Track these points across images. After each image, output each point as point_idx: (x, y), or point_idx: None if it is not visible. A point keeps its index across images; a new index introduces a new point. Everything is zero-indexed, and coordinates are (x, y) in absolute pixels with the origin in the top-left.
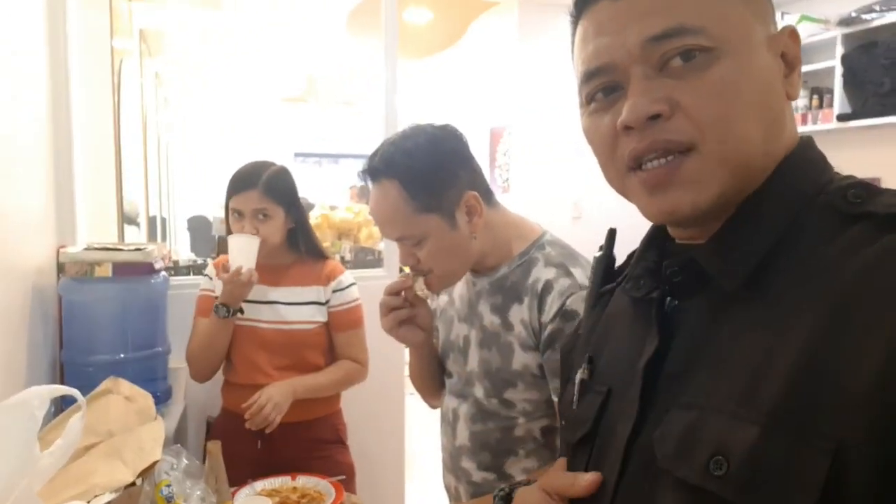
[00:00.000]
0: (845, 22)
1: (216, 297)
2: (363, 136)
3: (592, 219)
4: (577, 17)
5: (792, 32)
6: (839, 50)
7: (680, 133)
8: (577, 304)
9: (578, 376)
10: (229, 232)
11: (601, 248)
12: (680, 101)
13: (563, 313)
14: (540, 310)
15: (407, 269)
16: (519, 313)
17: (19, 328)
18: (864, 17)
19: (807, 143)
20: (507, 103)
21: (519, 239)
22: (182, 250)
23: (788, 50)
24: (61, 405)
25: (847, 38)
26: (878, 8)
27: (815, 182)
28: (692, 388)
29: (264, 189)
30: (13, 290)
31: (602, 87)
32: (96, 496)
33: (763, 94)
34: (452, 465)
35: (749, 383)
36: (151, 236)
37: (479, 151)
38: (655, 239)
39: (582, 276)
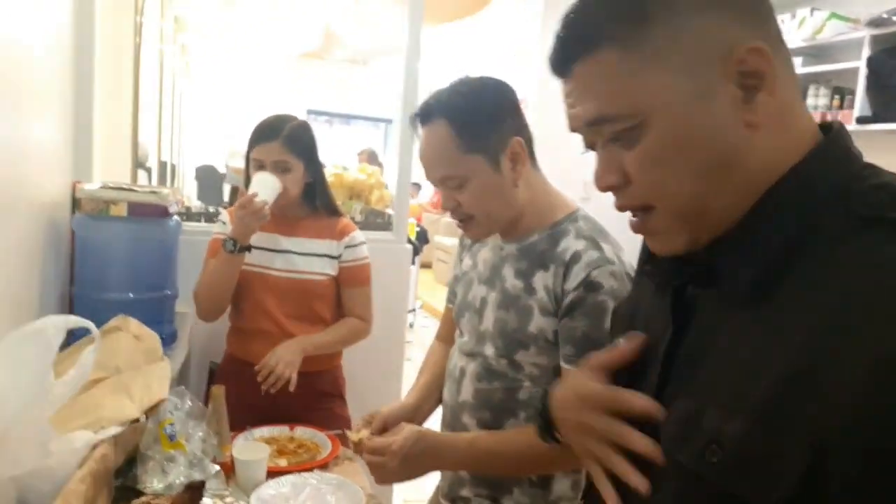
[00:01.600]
0: (875, 23)
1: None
2: (376, 97)
3: (601, 201)
4: None
5: (751, 49)
6: (865, 51)
7: (634, 199)
8: (603, 276)
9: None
10: (248, 183)
11: None
12: (628, 171)
13: (587, 283)
14: (565, 277)
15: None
16: (543, 279)
17: (32, 261)
18: (895, 18)
19: (830, 141)
20: (526, 75)
21: (554, 209)
22: (191, 198)
23: (751, 66)
24: (70, 338)
25: (875, 40)
26: None
27: (840, 177)
28: (698, 378)
29: (285, 141)
30: (28, 223)
31: (586, 145)
32: (103, 427)
33: (701, 148)
34: (452, 420)
35: (744, 380)
36: (161, 182)
37: None
38: None
39: (611, 252)
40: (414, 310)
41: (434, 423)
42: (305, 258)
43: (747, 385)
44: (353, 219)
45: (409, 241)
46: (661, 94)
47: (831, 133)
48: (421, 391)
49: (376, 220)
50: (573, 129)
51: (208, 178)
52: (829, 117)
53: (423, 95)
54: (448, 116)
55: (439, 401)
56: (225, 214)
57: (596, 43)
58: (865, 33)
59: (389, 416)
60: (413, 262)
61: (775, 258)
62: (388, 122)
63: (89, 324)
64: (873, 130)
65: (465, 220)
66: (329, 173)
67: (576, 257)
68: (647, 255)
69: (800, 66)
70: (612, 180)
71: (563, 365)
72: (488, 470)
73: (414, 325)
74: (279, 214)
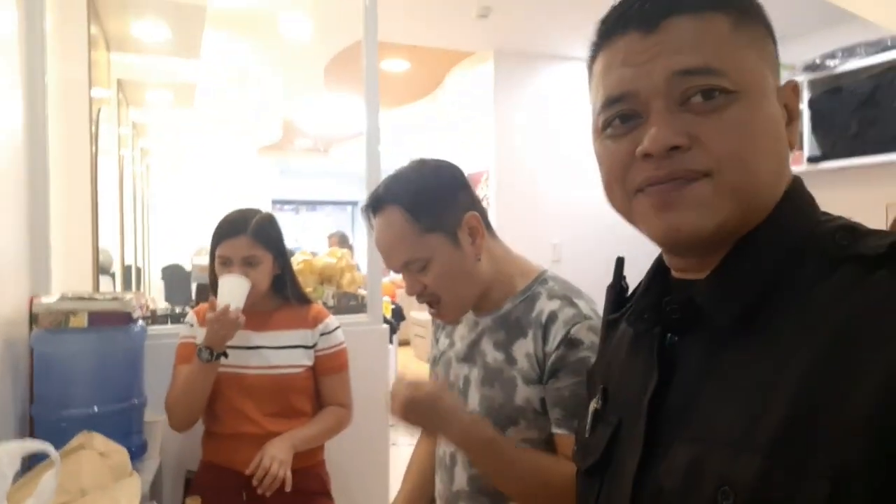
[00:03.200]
0: (811, 68)
1: (197, 345)
2: (340, 181)
3: (572, 261)
4: (599, 46)
5: (794, 87)
6: (806, 95)
7: (697, 164)
8: (582, 332)
9: (592, 406)
10: (213, 280)
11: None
12: (699, 136)
13: (568, 341)
14: (545, 340)
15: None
16: (523, 347)
17: None
18: (828, 62)
19: (799, 184)
20: (484, 148)
21: (521, 275)
22: (157, 300)
23: (790, 102)
24: (30, 461)
25: (813, 84)
26: (840, 55)
27: (808, 222)
28: (695, 422)
29: (253, 235)
30: None
31: (620, 114)
32: None
33: (772, 137)
34: None
35: (748, 418)
36: (126, 286)
37: None
38: (658, 274)
39: (586, 307)
40: None
41: None
42: (280, 352)
43: (752, 421)
44: (325, 304)
45: (386, 320)
46: (757, 74)
47: (795, 180)
48: (404, 502)
49: (349, 303)
50: (627, 91)
51: (175, 278)
52: None
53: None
54: (400, 202)
55: (431, 502)
56: (192, 316)
57: (713, 7)
58: (803, 78)
59: None
60: (391, 341)
61: (761, 291)
62: (354, 203)
63: (47, 446)
64: (824, 169)
65: (434, 303)
66: (298, 260)
67: (552, 317)
68: (616, 306)
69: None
70: (679, 140)
71: (555, 430)
72: (489, 464)
73: None
74: (249, 311)
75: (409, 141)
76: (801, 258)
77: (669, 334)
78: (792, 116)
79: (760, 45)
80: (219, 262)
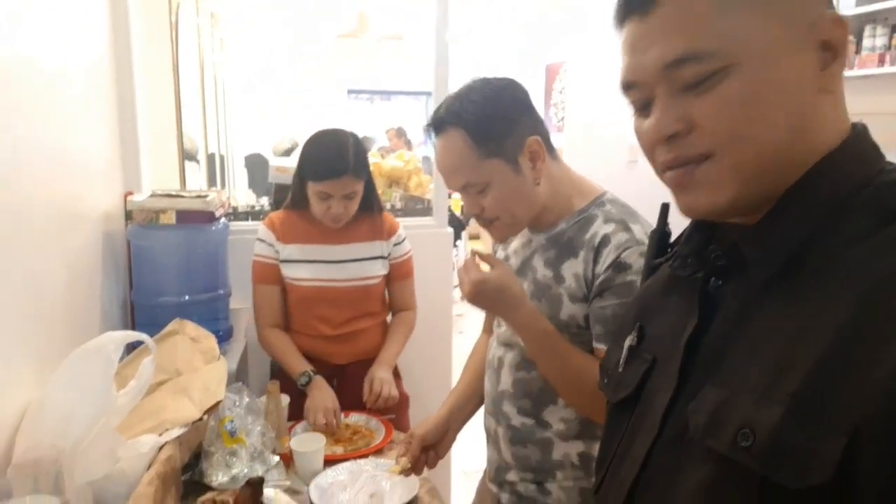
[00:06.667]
0: None
1: (272, 264)
2: (414, 71)
3: (647, 164)
4: (618, 29)
5: (835, 19)
6: None
7: (696, 147)
8: (633, 257)
9: (627, 342)
10: (299, 198)
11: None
12: (695, 119)
13: (617, 264)
14: (595, 262)
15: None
16: (572, 267)
17: (93, 271)
18: None
19: (858, 135)
20: (565, 37)
21: (579, 196)
22: (240, 188)
23: (832, 37)
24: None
25: None
26: None
27: (862, 175)
28: (725, 368)
29: (353, 173)
30: (86, 237)
31: (635, 102)
32: (167, 430)
33: (781, 102)
34: (494, 409)
35: (776, 369)
36: (210, 173)
37: (534, 88)
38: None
39: (640, 232)
40: None
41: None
42: (361, 264)
43: (780, 374)
44: (392, 206)
45: (454, 217)
46: (754, 38)
47: (858, 126)
48: (458, 397)
49: (416, 206)
50: (632, 81)
51: (257, 167)
52: (887, 58)
53: (455, 67)
54: (462, 125)
55: (481, 401)
56: (267, 232)
57: None
58: None
59: (426, 435)
60: (458, 237)
61: (804, 246)
62: (428, 94)
63: (145, 337)
64: None
65: (490, 223)
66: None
67: (605, 240)
68: (659, 251)
69: (853, 7)
70: (677, 127)
71: (595, 345)
72: (541, 355)
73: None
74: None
75: (485, 28)
76: (847, 212)
77: (713, 279)
78: (835, 53)
79: None
80: (317, 197)
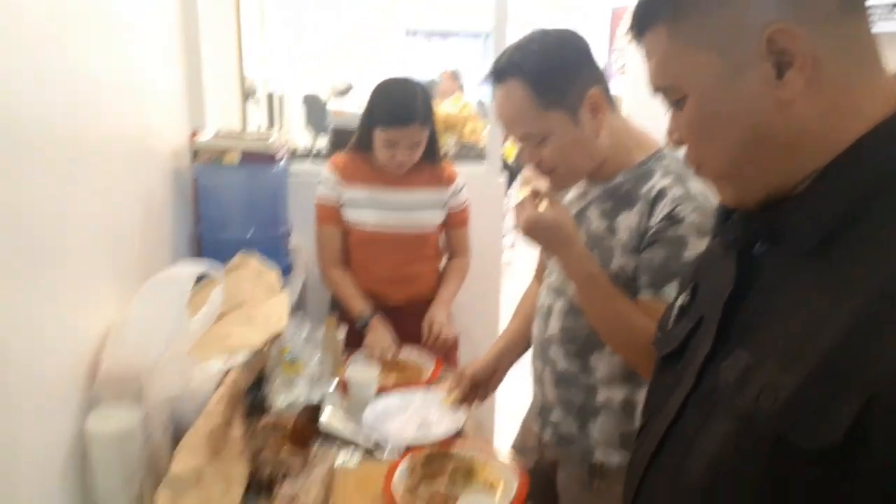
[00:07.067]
0: None
1: (334, 206)
2: (473, 10)
3: None
4: None
5: (779, 30)
6: None
7: (688, 157)
8: (686, 212)
9: (679, 301)
10: (364, 142)
11: None
12: (682, 133)
13: (670, 216)
14: (650, 214)
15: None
16: (627, 220)
17: (163, 206)
18: None
19: None
20: None
21: (639, 149)
22: (297, 128)
23: (782, 48)
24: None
25: None
26: None
27: None
28: (757, 334)
29: (421, 123)
30: (156, 173)
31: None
32: (233, 355)
33: (729, 122)
34: (541, 352)
35: (802, 338)
36: (270, 113)
37: (597, 32)
38: None
39: (696, 188)
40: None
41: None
42: (420, 211)
43: (805, 343)
44: (446, 153)
45: (507, 166)
46: (695, 72)
47: None
48: (507, 341)
49: (469, 153)
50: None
51: (315, 107)
52: None
53: (515, 7)
54: (523, 76)
55: (528, 345)
56: (329, 173)
57: (651, 20)
58: None
59: (476, 374)
60: (510, 185)
61: (840, 219)
62: (488, 35)
63: (214, 269)
64: None
65: (549, 173)
66: None
67: (661, 194)
68: (723, 218)
69: None
70: (674, 137)
71: (640, 294)
72: (589, 296)
73: (516, 244)
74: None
75: None
76: (888, 187)
77: (759, 244)
78: (790, 62)
79: (705, 33)
80: (383, 143)
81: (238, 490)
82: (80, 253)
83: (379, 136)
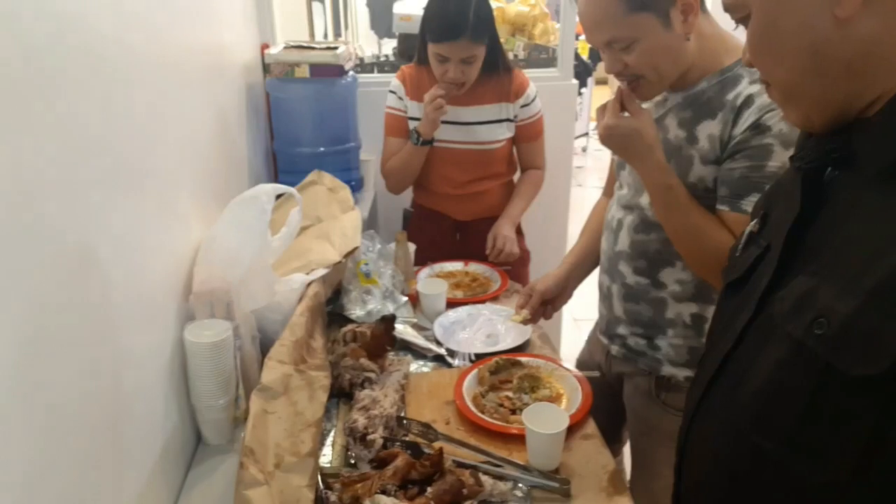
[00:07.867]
0: None
1: (402, 117)
2: None
3: None
4: None
5: None
6: None
7: (759, 74)
8: (774, 120)
9: (748, 228)
10: (423, 55)
11: None
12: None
13: (756, 125)
14: (734, 123)
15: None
16: (708, 128)
17: (239, 121)
18: None
19: None
20: None
21: (727, 53)
22: (362, 31)
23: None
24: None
25: None
26: None
27: None
28: (821, 259)
29: (472, 37)
30: (230, 87)
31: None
32: (313, 270)
33: (787, 36)
34: (609, 267)
35: (861, 264)
36: (335, 15)
37: None
38: None
39: None
40: (587, 133)
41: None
42: (486, 127)
43: (863, 269)
44: (515, 56)
45: (581, 61)
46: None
47: None
48: (577, 256)
49: (540, 56)
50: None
51: (379, 8)
52: None
53: None
54: None
55: (597, 261)
56: (398, 85)
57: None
58: None
59: (546, 291)
60: (585, 84)
61: None
62: None
63: (292, 189)
64: None
65: (634, 81)
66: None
67: (748, 101)
68: (806, 132)
69: None
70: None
71: (718, 207)
72: (665, 207)
73: (587, 149)
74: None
75: None
76: None
77: (830, 169)
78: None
79: None
80: (435, 58)
81: (322, 396)
82: (166, 173)
83: (431, 49)
